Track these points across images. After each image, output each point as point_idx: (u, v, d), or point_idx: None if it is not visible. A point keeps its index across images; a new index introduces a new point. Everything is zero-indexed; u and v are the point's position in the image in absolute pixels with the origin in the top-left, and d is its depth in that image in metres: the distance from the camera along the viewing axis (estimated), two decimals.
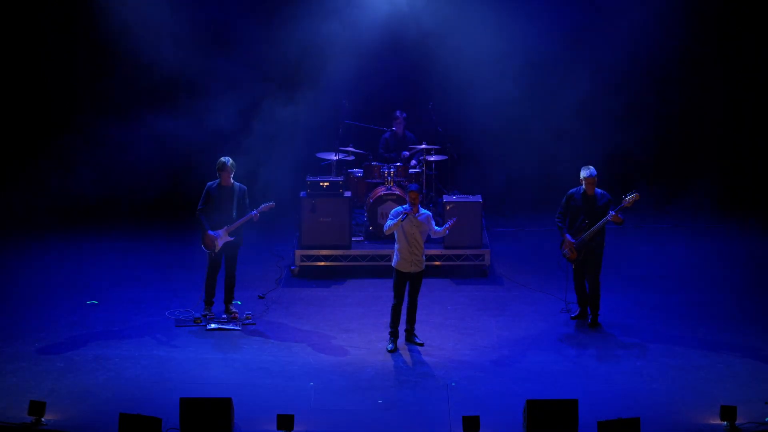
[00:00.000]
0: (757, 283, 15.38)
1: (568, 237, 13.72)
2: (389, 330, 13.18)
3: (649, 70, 18.33)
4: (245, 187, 14.12)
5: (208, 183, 14.11)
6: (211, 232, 13.93)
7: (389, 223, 13.02)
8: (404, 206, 13.10)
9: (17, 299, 14.77)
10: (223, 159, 13.94)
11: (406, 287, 13.17)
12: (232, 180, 13.97)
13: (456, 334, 13.68)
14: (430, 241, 16.19)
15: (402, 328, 13.31)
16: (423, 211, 13.12)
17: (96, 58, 18.19)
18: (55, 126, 18.38)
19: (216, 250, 14.00)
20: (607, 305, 14.24)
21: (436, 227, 13.23)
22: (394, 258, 13.17)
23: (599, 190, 13.70)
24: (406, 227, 12.99)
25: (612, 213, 13.45)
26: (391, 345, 13.10)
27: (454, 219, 13.37)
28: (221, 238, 13.97)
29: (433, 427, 11.20)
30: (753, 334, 13.52)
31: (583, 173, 13.65)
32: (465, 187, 17.22)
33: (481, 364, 12.73)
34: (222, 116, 18.01)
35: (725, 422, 10.97)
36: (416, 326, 13.33)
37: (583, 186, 13.67)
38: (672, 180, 18.60)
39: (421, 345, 13.16)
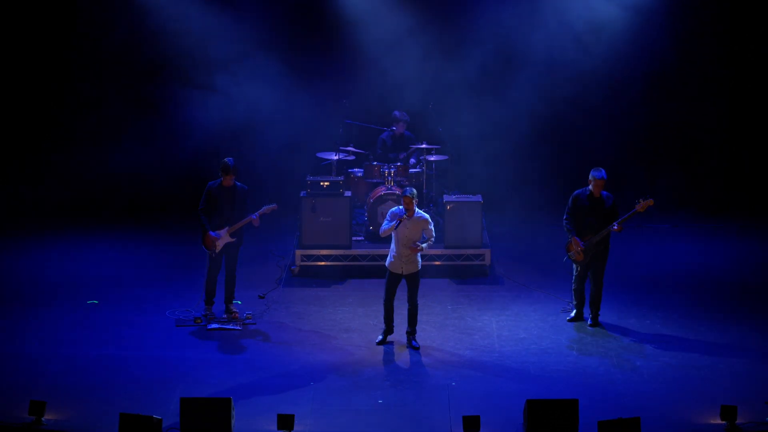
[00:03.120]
0: (758, 282, 15.38)
1: (575, 239, 13.68)
2: (383, 324, 13.26)
3: (647, 71, 18.34)
4: (246, 188, 14.09)
5: (209, 182, 14.08)
6: (212, 233, 13.91)
7: (385, 226, 13.04)
8: (400, 207, 13.06)
9: (17, 299, 14.76)
10: (227, 160, 13.90)
11: (397, 287, 13.15)
12: (233, 180, 13.95)
13: (456, 333, 13.68)
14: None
15: (404, 329, 13.30)
16: (420, 213, 13.05)
17: (97, 55, 18.20)
18: (56, 125, 18.39)
19: (216, 251, 13.99)
20: (607, 305, 14.24)
21: (425, 235, 13.04)
22: (388, 258, 13.17)
23: (605, 192, 13.67)
24: (400, 230, 12.96)
25: (614, 226, 13.41)
26: (380, 337, 13.21)
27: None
28: (222, 238, 13.95)
29: (433, 427, 11.20)
30: (753, 334, 13.52)
31: (593, 174, 13.58)
32: (465, 186, 17.21)
33: (481, 364, 12.73)
34: (222, 116, 18.03)
35: (725, 422, 10.97)
36: (418, 327, 13.27)
37: (591, 187, 13.61)
38: (671, 178, 18.61)
39: (417, 348, 13.11)
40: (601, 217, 13.60)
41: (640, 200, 13.46)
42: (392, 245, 13.11)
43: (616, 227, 13.46)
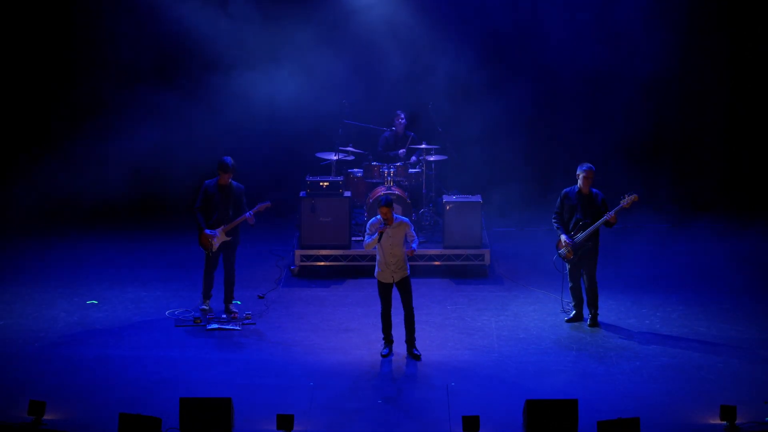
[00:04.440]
0: (757, 282, 15.38)
1: (564, 237, 13.73)
2: (383, 336, 13.05)
3: (643, 69, 18.35)
4: (243, 187, 14.12)
5: (206, 181, 14.11)
6: (207, 231, 13.93)
7: (367, 240, 12.77)
8: (378, 217, 12.76)
9: (18, 299, 14.76)
10: (225, 159, 13.93)
11: (392, 295, 12.91)
12: (230, 179, 13.97)
13: (456, 333, 13.67)
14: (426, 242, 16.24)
15: (402, 338, 13.05)
16: (399, 218, 12.77)
17: (95, 55, 18.21)
18: (56, 125, 18.38)
19: (213, 250, 14.01)
20: (606, 305, 14.26)
21: (409, 239, 12.80)
22: (375, 268, 12.92)
23: (594, 189, 13.69)
24: (383, 239, 12.71)
25: (610, 213, 13.44)
26: (386, 350, 12.95)
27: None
28: (218, 237, 13.97)
29: (432, 427, 11.20)
30: (753, 334, 13.53)
31: (579, 169, 13.62)
32: (465, 186, 17.20)
33: (481, 364, 12.72)
34: (221, 115, 18.04)
35: (725, 422, 10.97)
36: (417, 326, 13.10)
37: (579, 183, 13.64)
38: (670, 178, 18.63)
39: (418, 357, 12.84)
40: (590, 215, 13.62)
41: (626, 196, 13.49)
42: (377, 256, 12.88)
43: (611, 215, 13.40)
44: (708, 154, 18.74)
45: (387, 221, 12.67)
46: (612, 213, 13.45)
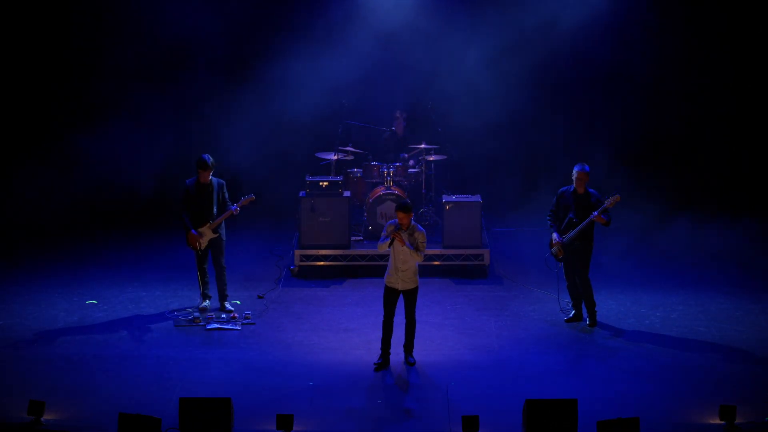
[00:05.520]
0: (756, 282, 15.38)
1: (555, 236, 13.75)
2: (381, 346, 12.75)
3: (643, 69, 18.38)
4: (223, 181, 14.18)
5: (186, 181, 14.13)
6: (194, 231, 13.95)
7: (380, 241, 12.63)
8: (395, 220, 12.63)
9: (18, 299, 14.76)
10: (204, 157, 13.94)
11: (396, 304, 12.70)
12: (210, 176, 13.99)
13: (455, 333, 13.67)
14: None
15: (402, 341, 12.92)
16: (415, 226, 12.58)
17: (92, 56, 18.21)
18: (55, 125, 18.38)
19: (202, 248, 14.02)
20: (606, 305, 14.26)
21: (419, 242, 12.54)
22: (386, 272, 12.75)
23: (591, 189, 13.69)
24: (395, 246, 12.54)
25: (594, 214, 13.45)
26: (380, 360, 12.67)
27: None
28: (205, 235, 14.00)
29: (432, 427, 11.20)
30: (753, 334, 13.53)
31: (575, 168, 13.64)
32: (464, 186, 17.20)
33: (481, 364, 12.72)
34: (221, 115, 18.04)
35: (724, 422, 10.97)
36: (416, 326, 12.97)
37: (574, 183, 13.64)
38: (669, 178, 18.63)
39: (412, 365, 12.68)
40: (582, 214, 13.62)
41: (608, 197, 13.49)
42: (390, 259, 12.71)
43: (594, 217, 13.43)
44: (708, 154, 18.74)
45: (402, 226, 12.53)
46: (596, 214, 13.46)
